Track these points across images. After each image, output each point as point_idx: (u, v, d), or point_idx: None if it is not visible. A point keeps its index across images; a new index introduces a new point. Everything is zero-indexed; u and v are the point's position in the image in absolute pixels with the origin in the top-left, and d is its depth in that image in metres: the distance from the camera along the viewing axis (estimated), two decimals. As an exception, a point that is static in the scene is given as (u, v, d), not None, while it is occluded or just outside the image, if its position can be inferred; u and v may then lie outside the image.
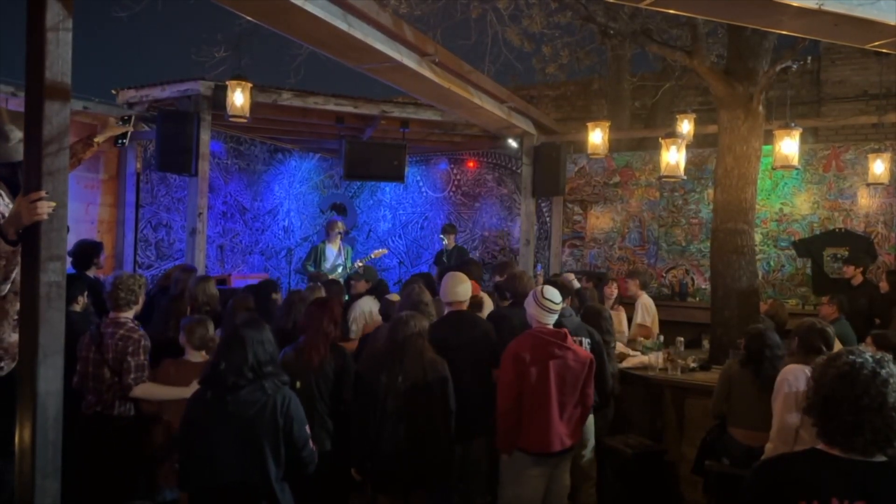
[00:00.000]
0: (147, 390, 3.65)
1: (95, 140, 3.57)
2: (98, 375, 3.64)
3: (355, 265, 7.67)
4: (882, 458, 1.75)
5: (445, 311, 4.29)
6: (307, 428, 2.89)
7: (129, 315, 3.77)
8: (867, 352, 1.84)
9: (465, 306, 4.26)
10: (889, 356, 1.83)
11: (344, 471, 3.68)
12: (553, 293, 3.66)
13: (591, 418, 4.24)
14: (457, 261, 7.35)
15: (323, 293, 4.54)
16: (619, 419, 5.00)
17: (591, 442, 4.30)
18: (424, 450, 3.53)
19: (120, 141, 3.89)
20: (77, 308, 4.25)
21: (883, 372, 1.75)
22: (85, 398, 3.70)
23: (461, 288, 4.22)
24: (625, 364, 5.39)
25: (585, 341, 4.22)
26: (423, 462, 3.54)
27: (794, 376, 3.43)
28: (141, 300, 3.88)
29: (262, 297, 4.99)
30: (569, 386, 3.57)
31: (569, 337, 3.63)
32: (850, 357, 1.80)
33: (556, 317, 3.68)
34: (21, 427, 2.54)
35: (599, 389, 4.30)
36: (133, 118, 3.56)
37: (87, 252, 5.24)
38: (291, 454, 2.82)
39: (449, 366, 3.76)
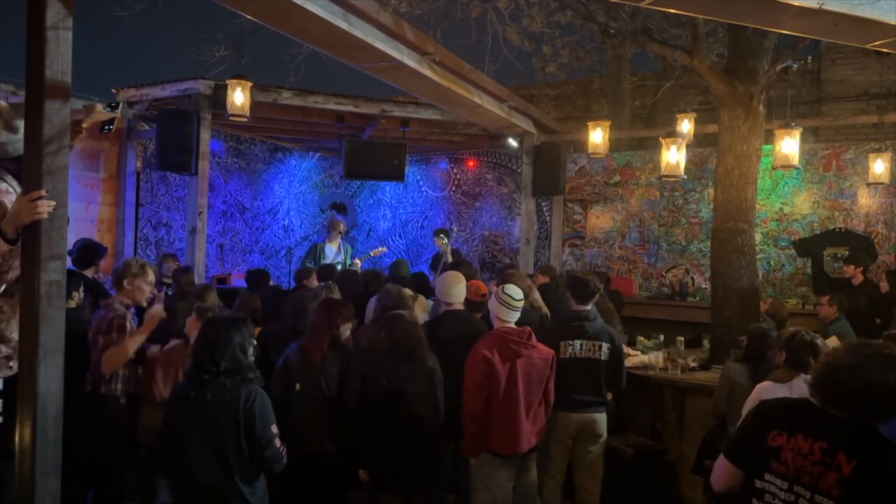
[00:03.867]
0: (111, 356, 3.57)
1: (83, 125, 3.55)
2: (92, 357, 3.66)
3: (353, 263, 7.73)
4: (858, 419, 1.99)
5: (441, 311, 4.28)
6: (274, 427, 2.86)
7: (120, 296, 3.76)
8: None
9: (459, 305, 4.25)
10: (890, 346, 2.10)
11: (343, 471, 3.68)
12: (514, 290, 3.66)
13: (603, 417, 4.19)
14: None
15: (336, 293, 4.51)
16: (619, 419, 4.99)
17: (603, 439, 4.20)
18: (427, 448, 3.54)
19: (106, 127, 3.88)
20: (72, 304, 4.23)
21: (879, 354, 2.00)
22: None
23: (457, 288, 4.20)
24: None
25: (605, 346, 4.13)
26: (426, 460, 3.54)
27: (770, 394, 3.31)
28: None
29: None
30: (535, 385, 3.57)
31: (533, 335, 3.61)
32: (867, 343, 2.13)
33: (517, 314, 3.66)
34: (21, 426, 2.54)
35: (615, 391, 4.31)
36: (120, 104, 3.54)
37: (89, 252, 5.23)
38: (255, 453, 2.80)
39: (443, 365, 3.77)
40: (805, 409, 2.08)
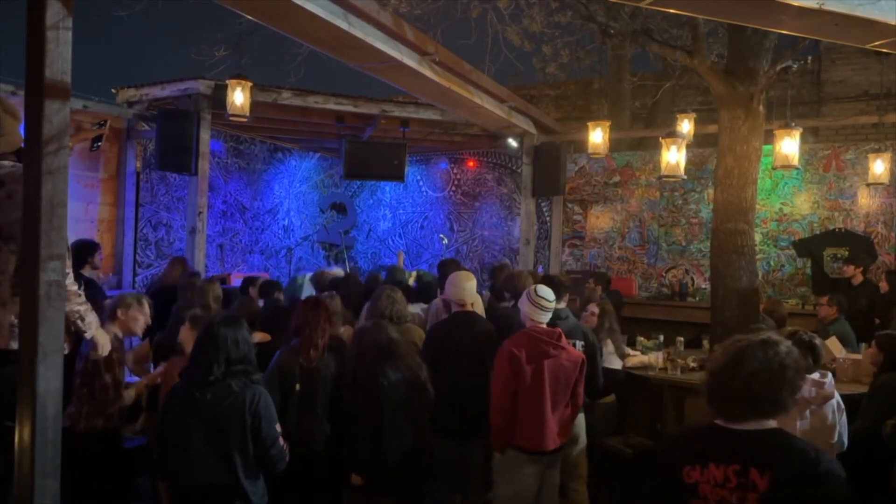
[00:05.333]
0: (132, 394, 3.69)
1: (69, 144, 3.53)
2: (74, 386, 3.52)
3: None
4: (763, 426, 1.90)
5: (452, 311, 4.27)
6: (277, 426, 2.90)
7: (112, 327, 3.65)
8: (770, 336, 1.98)
9: (470, 306, 4.24)
10: (785, 340, 2.00)
11: (338, 471, 3.68)
12: (547, 291, 3.66)
13: (581, 417, 4.21)
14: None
15: (338, 302, 4.49)
16: (619, 419, 5.00)
17: (582, 439, 4.26)
18: (422, 448, 3.55)
19: (96, 144, 3.97)
20: None
21: (750, 348, 1.92)
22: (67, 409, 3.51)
23: (469, 287, 4.18)
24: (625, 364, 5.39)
25: (579, 343, 4.19)
26: (423, 460, 3.55)
27: None
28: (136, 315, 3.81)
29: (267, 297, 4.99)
30: (561, 385, 3.58)
31: (563, 336, 3.63)
32: (741, 336, 2.01)
33: (549, 315, 3.67)
34: (21, 426, 2.53)
35: (590, 389, 4.29)
36: (107, 122, 3.57)
37: (81, 251, 5.24)
38: (260, 452, 2.84)
39: (451, 365, 3.76)
40: (710, 433, 1.96)
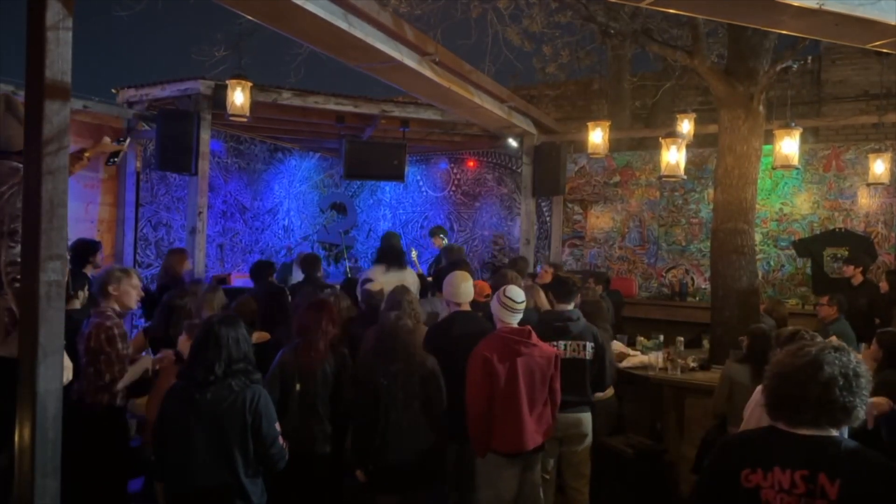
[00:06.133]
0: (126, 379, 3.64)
1: (86, 155, 3.57)
2: (81, 365, 3.55)
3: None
4: (830, 433, 1.85)
5: (450, 311, 4.27)
6: (277, 425, 2.92)
7: (109, 304, 3.69)
8: (840, 343, 1.94)
9: (467, 306, 4.24)
10: (846, 347, 1.94)
11: (340, 473, 3.67)
12: (516, 293, 3.67)
13: (588, 416, 4.21)
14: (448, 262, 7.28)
15: (346, 301, 4.48)
16: (618, 419, 5.00)
17: (588, 438, 4.23)
18: (425, 447, 3.54)
19: (112, 160, 4.00)
20: (76, 304, 4.22)
21: (827, 354, 1.87)
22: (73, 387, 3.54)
23: (465, 287, 4.18)
24: (625, 364, 5.39)
25: (589, 345, 4.16)
26: (425, 459, 3.54)
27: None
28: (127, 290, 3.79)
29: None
30: (537, 383, 3.59)
31: (533, 334, 3.63)
32: (803, 341, 1.99)
33: (519, 316, 3.68)
34: (21, 426, 2.54)
35: (597, 389, 4.29)
36: (128, 140, 3.64)
37: (83, 250, 5.24)
38: (260, 451, 2.85)
39: (450, 365, 3.76)
40: (771, 436, 1.89)
